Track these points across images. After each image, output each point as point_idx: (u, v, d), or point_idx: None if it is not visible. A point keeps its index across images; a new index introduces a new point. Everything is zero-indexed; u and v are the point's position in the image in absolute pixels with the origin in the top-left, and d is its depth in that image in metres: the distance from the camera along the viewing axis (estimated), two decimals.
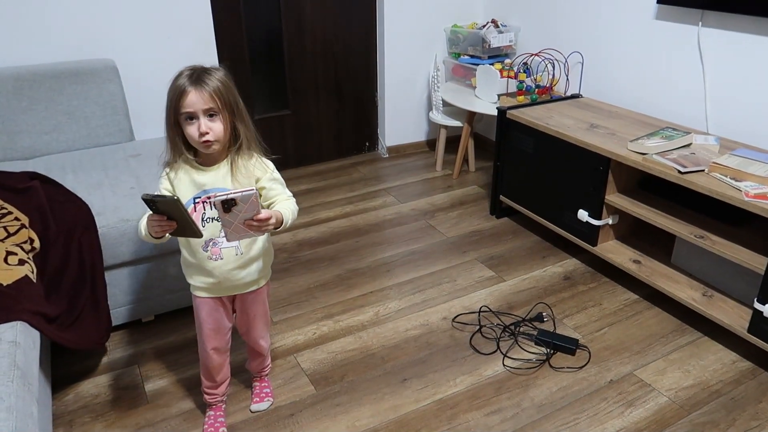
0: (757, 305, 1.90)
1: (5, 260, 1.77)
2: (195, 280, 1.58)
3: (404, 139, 3.82)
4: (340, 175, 3.53)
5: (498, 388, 1.91)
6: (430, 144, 3.89)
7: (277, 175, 1.55)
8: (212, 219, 1.48)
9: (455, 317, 2.25)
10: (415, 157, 3.78)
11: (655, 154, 2.19)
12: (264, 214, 1.33)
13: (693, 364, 2.00)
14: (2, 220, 1.95)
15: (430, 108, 3.72)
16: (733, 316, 2.03)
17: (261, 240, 1.57)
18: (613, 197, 2.39)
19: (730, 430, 1.74)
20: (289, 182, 3.44)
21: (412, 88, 3.71)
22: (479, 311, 2.27)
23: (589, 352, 2.06)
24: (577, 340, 2.09)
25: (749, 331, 1.95)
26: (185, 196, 1.46)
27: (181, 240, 1.52)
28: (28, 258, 1.84)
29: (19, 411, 1.28)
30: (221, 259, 1.52)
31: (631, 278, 2.39)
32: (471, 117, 3.36)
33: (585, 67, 3.04)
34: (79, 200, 2.08)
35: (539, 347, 2.09)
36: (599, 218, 2.43)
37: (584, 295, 2.39)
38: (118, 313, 2.13)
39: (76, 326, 1.91)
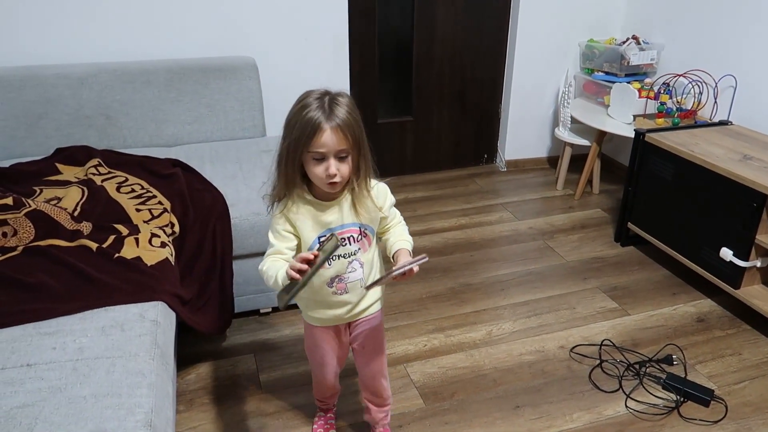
0: None
1: (150, 242, 1.89)
2: (315, 313, 1.49)
3: (524, 154, 3.71)
4: (457, 185, 3.48)
5: (619, 431, 1.78)
6: (551, 161, 3.74)
7: (393, 199, 1.44)
8: (339, 257, 1.37)
9: (573, 347, 2.13)
10: (535, 174, 3.65)
11: None
12: (415, 268, 1.26)
13: None
14: (147, 203, 2.08)
15: (555, 124, 3.58)
16: None
17: (379, 265, 1.49)
18: (766, 237, 2.16)
19: None
20: (405, 188, 3.50)
21: (538, 103, 3.59)
22: (601, 344, 2.14)
23: (726, 406, 1.87)
24: (713, 391, 1.90)
25: None
26: (309, 236, 1.34)
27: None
28: (169, 241, 1.95)
29: (159, 389, 1.35)
30: (347, 293, 1.43)
31: None
32: (600, 136, 3.19)
33: (737, 92, 2.79)
34: (216, 190, 2.18)
35: (667, 392, 1.92)
36: (746, 259, 2.21)
37: (721, 341, 2.18)
38: (240, 302, 2.21)
39: (204, 310, 2.00)
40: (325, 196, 1.33)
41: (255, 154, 2.55)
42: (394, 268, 1.28)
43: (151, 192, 2.16)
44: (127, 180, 2.23)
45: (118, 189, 2.16)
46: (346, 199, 1.34)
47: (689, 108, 2.91)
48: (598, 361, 2.06)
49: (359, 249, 1.38)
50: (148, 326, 1.52)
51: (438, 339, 2.18)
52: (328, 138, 1.21)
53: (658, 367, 2.03)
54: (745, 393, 1.93)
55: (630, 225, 2.78)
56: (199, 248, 2.06)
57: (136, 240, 1.88)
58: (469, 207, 3.21)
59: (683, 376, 1.99)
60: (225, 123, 2.77)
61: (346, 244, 1.36)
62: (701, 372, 2.02)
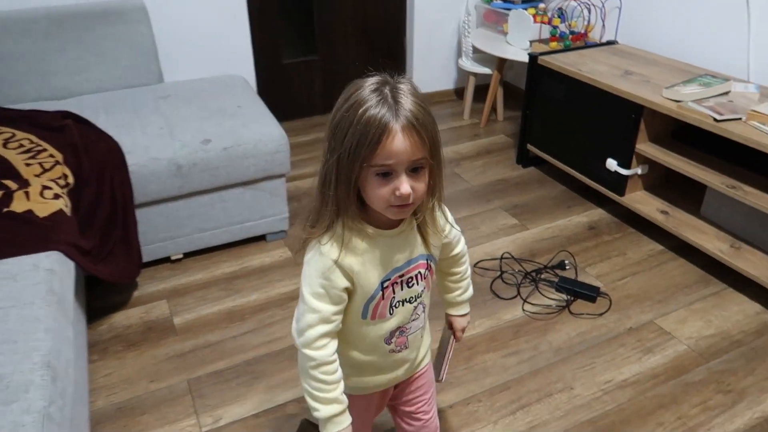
0: None
1: (41, 194, 1.84)
2: (361, 381, 1.13)
3: (432, 87, 3.76)
4: None
5: (516, 332, 1.94)
6: (459, 92, 3.83)
7: (450, 214, 1.11)
8: (403, 302, 1.04)
9: (477, 263, 2.26)
10: (443, 106, 3.73)
11: (691, 101, 2.12)
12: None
13: (715, 315, 1.99)
14: (38, 157, 2.01)
15: (459, 55, 3.64)
16: (761, 268, 2.00)
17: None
18: (644, 146, 2.33)
19: (748, 378, 1.75)
20: (316, 129, 3.50)
21: (442, 34, 3.62)
22: (501, 257, 2.28)
23: (610, 300, 2.06)
24: (599, 288, 2.09)
25: None
26: (371, 284, 0.99)
27: (350, 338, 1.06)
28: (63, 193, 1.90)
29: (57, 332, 1.36)
30: (406, 348, 1.11)
31: (657, 229, 2.35)
32: (501, 64, 3.28)
33: (623, 13, 2.92)
34: (111, 139, 2.12)
35: (560, 294, 2.09)
36: (628, 168, 2.38)
37: (609, 244, 2.37)
38: (149, 250, 2.20)
39: (109, 260, 1.99)
40: (385, 223, 0.98)
41: (152, 101, 2.48)
42: (450, 346, 1.22)
43: (41, 146, 2.08)
44: (14, 135, 2.13)
45: (4, 145, 2.06)
46: (410, 224, 1.01)
47: (580, 31, 3.03)
48: (498, 273, 2.21)
49: (425, 288, 1.07)
50: (42, 275, 1.51)
51: None
52: (399, 144, 0.85)
53: (552, 272, 2.20)
54: (627, 287, 2.13)
55: (529, 147, 2.92)
56: (97, 198, 2.02)
57: (26, 194, 1.83)
58: None
59: (574, 278, 2.16)
60: (117, 71, 2.66)
61: (413, 284, 1.04)
62: (590, 273, 2.21)
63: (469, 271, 1.22)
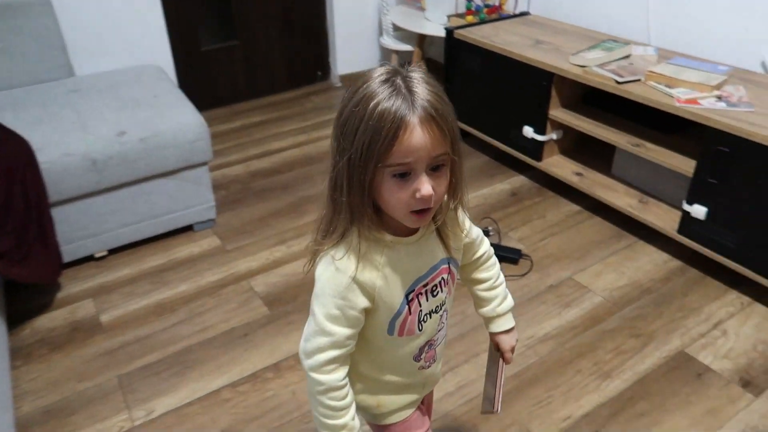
0: (686, 206, 1.99)
1: None
2: (393, 403, 1.03)
3: (357, 67, 3.77)
4: (293, 105, 3.50)
5: None
6: None
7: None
8: (430, 313, 0.95)
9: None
10: None
11: (595, 66, 2.22)
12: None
13: (627, 266, 2.11)
14: None
15: (381, 33, 3.66)
16: (666, 219, 2.13)
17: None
18: (557, 112, 2.43)
19: (657, 322, 1.87)
20: (240, 115, 3.46)
21: (362, 13, 3.63)
22: None
23: (532, 261, 2.16)
24: (520, 250, 2.17)
25: (679, 231, 2.06)
26: (395, 299, 0.90)
27: (375, 357, 0.97)
28: None
29: None
30: (434, 361, 1.03)
31: (574, 190, 2.46)
32: (421, 40, 3.33)
33: None
34: (19, 137, 2.04)
35: None
36: (543, 134, 2.48)
37: (529, 209, 2.47)
38: (71, 250, 2.14)
39: (27, 262, 1.92)
40: (403, 230, 0.88)
41: (62, 96, 2.39)
42: (501, 370, 1.06)
43: None
44: None
45: None
46: (430, 228, 0.92)
47: (494, 3, 3.10)
48: None
49: (447, 294, 0.98)
50: None
51: (280, 251, 2.27)
52: (418, 139, 0.76)
53: None
54: (547, 248, 2.23)
55: None
56: (7, 199, 1.94)
57: None
58: (306, 125, 3.25)
59: (497, 242, 2.24)
60: (24, 66, 2.54)
61: (438, 292, 0.95)
62: (513, 237, 2.29)
63: (502, 277, 1.09)
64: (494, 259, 1.08)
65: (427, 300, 0.93)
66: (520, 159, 2.66)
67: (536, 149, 2.53)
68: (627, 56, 2.31)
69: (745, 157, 1.78)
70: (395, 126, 0.75)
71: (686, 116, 1.91)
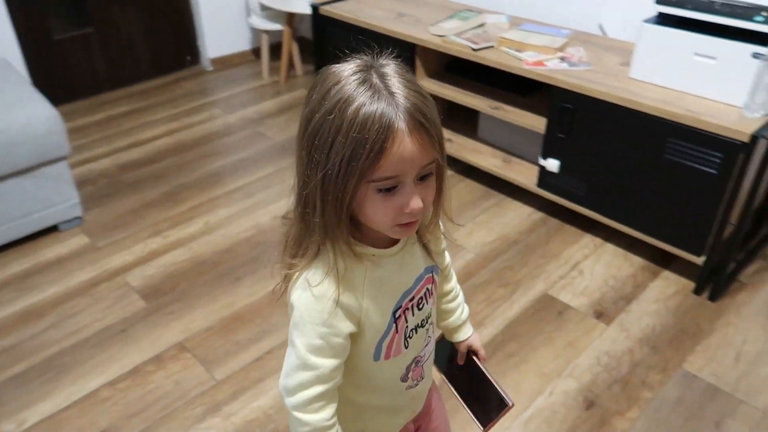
0: (541, 161, 2.15)
1: None
2: (376, 426, 0.93)
3: (228, 50, 3.68)
4: (163, 92, 3.35)
5: None
6: (257, 52, 3.78)
7: None
8: (416, 328, 0.86)
9: (285, 214, 2.31)
10: (242, 67, 3.67)
11: (453, 35, 2.32)
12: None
13: (496, 222, 2.25)
14: None
15: (249, 14, 3.58)
16: (527, 175, 2.29)
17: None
18: (423, 82, 2.51)
19: (523, 270, 2.02)
20: (105, 106, 3.28)
21: None
22: None
23: None
24: None
25: (538, 185, 2.22)
26: (381, 319, 0.80)
27: (359, 382, 0.86)
28: None
29: None
30: (422, 378, 0.93)
31: (447, 156, 2.56)
32: (291, 18, 3.30)
33: None
34: None
35: None
36: None
37: None
38: None
39: None
40: (384, 240, 0.79)
41: None
42: (485, 368, 1.01)
43: None
44: None
45: None
46: (412, 240, 0.83)
47: None
48: None
49: (432, 305, 0.89)
50: None
51: (155, 242, 2.20)
52: (408, 149, 0.66)
53: None
54: None
55: None
56: None
57: None
58: (177, 111, 3.14)
59: None
60: None
61: (424, 304, 0.86)
62: None
63: (459, 286, 1.03)
64: (450, 263, 1.00)
65: (413, 314, 0.84)
66: None
67: None
68: (482, 24, 2.42)
69: (586, 111, 1.95)
70: (381, 137, 0.64)
71: (534, 77, 2.05)
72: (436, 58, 2.52)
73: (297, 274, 0.77)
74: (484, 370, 1.02)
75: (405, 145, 0.65)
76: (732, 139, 1.65)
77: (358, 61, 0.70)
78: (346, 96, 0.65)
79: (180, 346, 1.78)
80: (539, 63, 2.08)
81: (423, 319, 0.86)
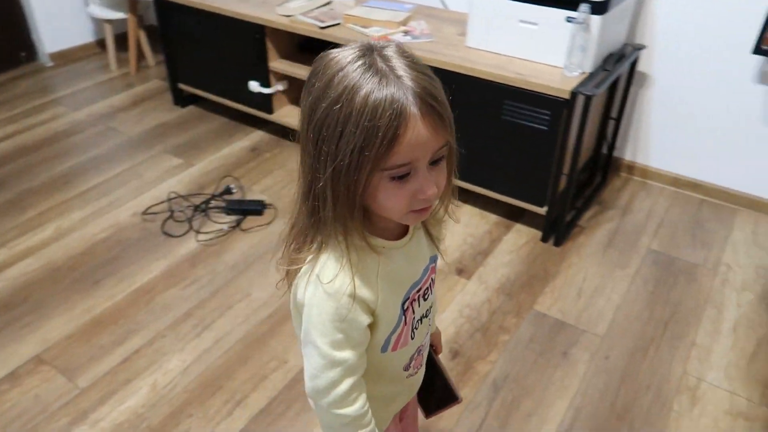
0: None
1: None
2: (377, 418, 0.89)
3: (68, 43, 3.42)
4: None
5: (193, 263, 1.99)
6: (102, 44, 3.55)
7: None
8: (421, 319, 0.86)
9: (145, 210, 2.23)
10: (86, 61, 3.44)
11: (300, 14, 2.32)
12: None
13: None
14: None
15: (87, 3, 3.35)
16: None
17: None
18: (277, 63, 2.50)
19: None
20: None
21: None
22: (168, 198, 2.28)
23: (276, 209, 2.24)
24: (263, 201, 2.24)
25: None
26: (393, 311, 0.79)
27: (364, 376, 0.82)
28: None
29: None
30: (422, 366, 0.95)
31: None
32: (134, 6, 3.13)
33: None
34: None
35: (230, 216, 2.20)
36: (269, 86, 2.54)
37: (270, 161, 2.54)
38: None
39: None
40: (393, 231, 0.78)
41: None
42: (440, 362, 1.03)
43: None
44: None
45: None
46: (419, 229, 0.83)
47: None
48: (169, 214, 2.21)
49: (434, 293, 0.91)
50: None
51: (1, 254, 2.03)
52: (421, 134, 0.64)
53: (221, 199, 2.29)
54: (290, 193, 2.31)
55: (181, 86, 2.89)
56: None
57: None
58: (16, 113, 2.88)
59: (241, 198, 2.28)
60: None
61: (428, 294, 0.86)
62: (256, 190, 2.35)
63: None
64: None
65: (419, 305, 0.84)
66: (254, 114, 2.70)
67: (266, 102, 2.59)
68: (328, 2, 2.45)
69: None
70: (394, 124, 0.62)
71: None
72: (287, 38, 2.52)
73: (303, 269, 0.75)
74: (438, 363, 1.02)
75: (418, 130, 0.63)
76: (556, 97, 1.82)
77: (358, 44, 0.67)
78: (353, 83, 0.63)
79: (37, 360, 1.67)
80: (384, 37, 2.14)
81: (427, 309, 0.86)
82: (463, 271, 1.97)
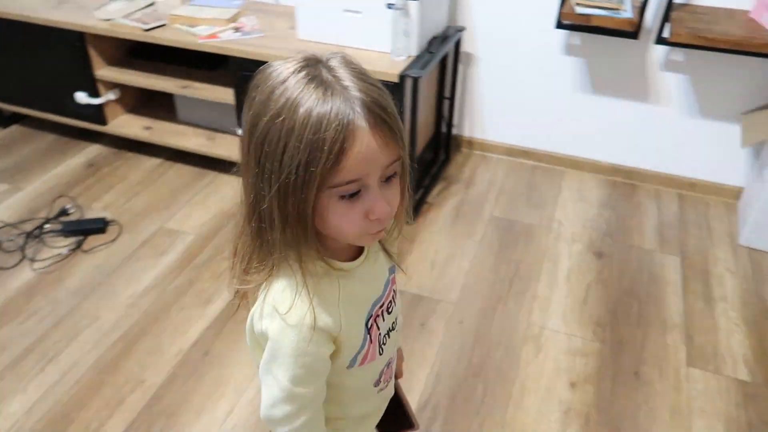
0: (239, 131, 2.19)
1: None
2: None
3: None
4: None
5: (30, 294, 1.84)
6: None
7: None
8: (389, 333, 0.83)
9: None
10: None
11: (121, 17, 2.20)
12: None
13: (212, 200, 2.26)
14: None
15: None
16: (232, 148, 2.32)
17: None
18: (104, 71, 2.36)
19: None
20: None
21: None
22: None
23: (120, 225, 2.12)
24: (104, 218, 2.11)
25: None
26: (356, 335, 0.76)
27: (331, 393, 0.80)
28: None
29: None
30: (391, 378, 0.92)
31: (150, 145, 2.47)
32: None
33: None
34: None
35: (69, 238, 2.05)
36: (98, 96, 2.39)
37: (109, 175, 2.39)
38: None
39: None
40: (347, 250, 0.75)
41: None
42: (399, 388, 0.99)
43: None
44: None
45: None
46: (376, 247, 0.80)
47: None
48: None
49: (398, 305, 0.88)
50: None
51: None
52: (370, 148, 0.61)
53: (56, 221, 2.12)
54: (134, 207, 2.21)
55: (0, 105, 2.64)
56: None
57: None
58: None
59: (80, 218, 2.13)
60: None
61: (392, 307, 0.83)
62: (97, 208, 2.21)
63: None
64: None
65: (384, 320, 0.81)
66: (88, 128, 2.52)
67: (97, 114, 2.43)
68: (152, 3, 2.34)
69: None
70: (340, 137, 0.59)
71: (209, 50, 2.07)
72: (113, 44, 2.38)
73: (259, 297, 0.72)
74: (398, 387, 1.01)
75: (367, 143, 0.60)
76: (387, 81, 1.88)
77: (301, 55, 0.64)
78: (295, 95, 0.60)
79: None
80: (213, 36, 2.09)
81: (393, 322, 0.84)
82: None
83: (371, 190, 0.64)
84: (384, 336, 0.81)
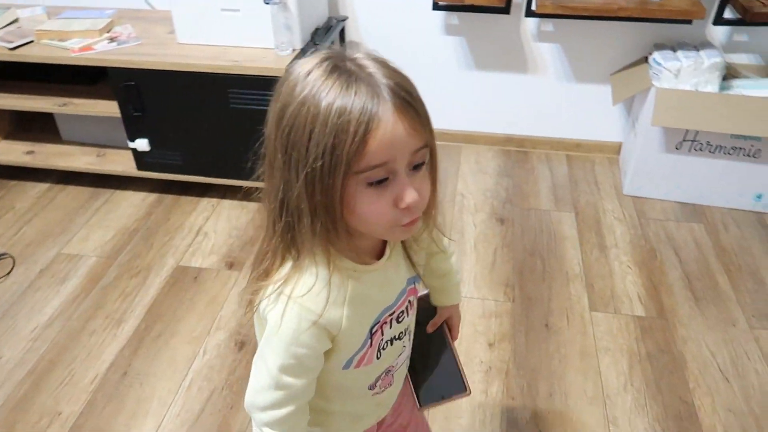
0: (131, 144, 2.13)
1: None
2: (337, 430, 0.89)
3: None
4: None
5: None
6: None
7: None
8: (392, 340, 0.81)
9: None
10: None
11: None
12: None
13: (111, 219, 2.17)
14: None
15: None
16: (125, 163, 2.24)
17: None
18: None
19: (150, 253, 2.01)
20: None
21: None
22: None
23: (13, 257, 1.99)
24: None
25: (139, 168, 2.20)
26: (361, 334, 0.75)
27: (324, 390, 0.80)
28: None
29: None
30: (391, 384, 0.89)
31: (35, 170, 2.33)
32: None
33: None
34: None
35: None
36: None
37: None
38: None
39: None
40: (369, 252, 0.74)
41: None
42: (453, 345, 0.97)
43: None
44: None
45: None
46: (397, 245, 0.77)
47: None
48: None
49: (412, 316, 0.85)
50: None
51: None
52: (395, 131, 0.60)
53: None
54: (26, 237, 2.09)
55: None
56: None
57: None
58: None
59: None
60: None
61: (404, 318, 0.81)
62: None
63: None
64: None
65: (391, 327, 0.79)
66: None
67: None
68: (15, 20, 2.21)
69: (150, 84, 1.98)
70: (365, 119, 0.58)
71: (84, 63, 1.98)
72: None
73: (269, 287, 0.70)
74: (452, 347, 0.96)
75: (392, 126, 0.59)
76: (275, 76, 1.87)
77: (324, 52, 0.64)
78: (319, 84, 0.60)
79: None
80: (87, 48, 2.01)
81: (401, 332, 0.82)
82: (233, 264, 1.97)
83: (399, 177, 0.63)
84: (386, 342, 0.80)
